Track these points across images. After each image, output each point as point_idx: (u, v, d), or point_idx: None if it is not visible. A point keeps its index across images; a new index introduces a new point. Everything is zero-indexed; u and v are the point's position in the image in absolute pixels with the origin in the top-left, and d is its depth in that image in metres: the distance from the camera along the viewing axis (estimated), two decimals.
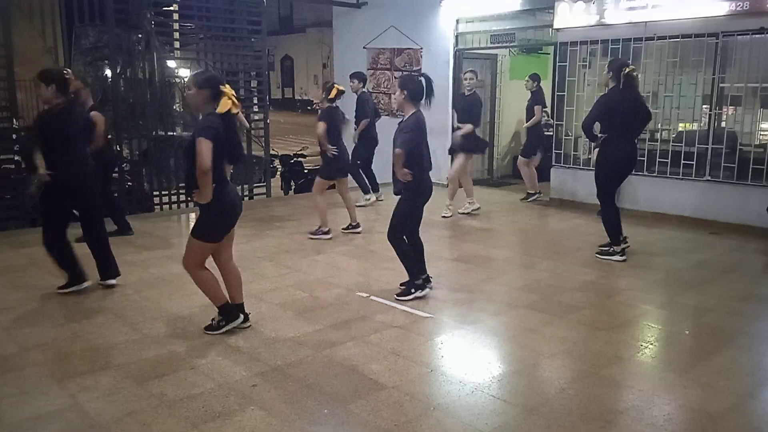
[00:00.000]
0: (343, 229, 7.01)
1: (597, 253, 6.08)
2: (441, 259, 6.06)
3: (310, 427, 3.05)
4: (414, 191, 4.72)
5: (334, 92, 6.58)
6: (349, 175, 7.54)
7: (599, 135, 5.86)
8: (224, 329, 4.10)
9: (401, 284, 4.94)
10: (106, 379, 3.50)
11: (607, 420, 3.11)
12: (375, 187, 8.86)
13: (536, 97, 9.09)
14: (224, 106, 3.73)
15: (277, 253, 6.19)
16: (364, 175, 8.71)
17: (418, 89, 4.61)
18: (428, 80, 4.64)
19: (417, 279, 4.84)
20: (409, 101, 4.63)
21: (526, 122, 9.25)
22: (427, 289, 4.87)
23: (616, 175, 6.03)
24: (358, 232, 6.97)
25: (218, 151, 3.69)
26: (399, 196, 4.81)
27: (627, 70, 5.69)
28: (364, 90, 8.70)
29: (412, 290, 4.81)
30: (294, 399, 3.29)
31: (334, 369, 3.64)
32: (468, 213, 8.05)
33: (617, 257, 5.93)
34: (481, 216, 7.98)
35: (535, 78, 9.13)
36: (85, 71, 8.67)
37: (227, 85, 3.86)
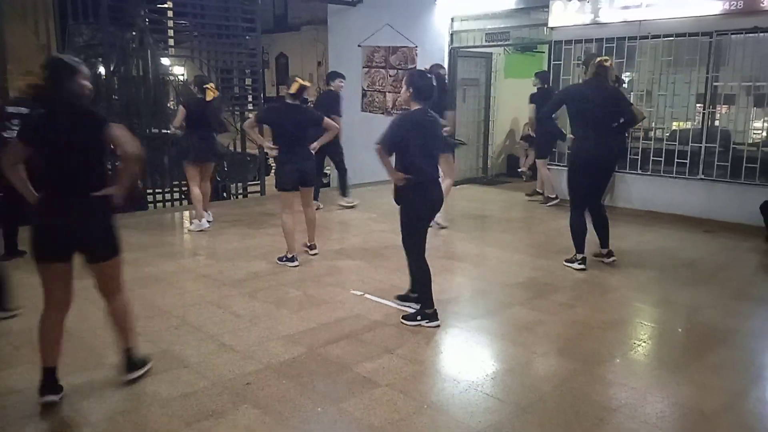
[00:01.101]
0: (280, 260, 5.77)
1: (564, 260, 5.70)
2: (435, 257, 6.04)
3: (304, 426, 3.04)
4: (411, 204, 4.20)
5: (295, 87, 5.53)
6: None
7: (569, 135, 5.37)
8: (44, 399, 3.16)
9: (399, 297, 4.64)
10: (98, 377, 3.49)
11: (600, 418, 3.11)
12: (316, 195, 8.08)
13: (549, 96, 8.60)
14: None
15: (270, 252, 6.17)
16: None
17: (423, 86, 4.19)
18: (440, 79, 4.33)
19: (428, 308, 4.31)
20: (414, 99, 4.20)
21: (537, 122, 8.84)
22: (437, 323, 4.28)
23: (581, 175, 5.44)
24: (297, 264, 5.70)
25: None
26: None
27: (597, 60, 5.31)
28: (330, 89, 8.28)
29: (418, 317, 4.30)
30: (287, 397, 3.28)
31: (328, 367, 3.64)
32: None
33: (577, 265, 5.55)
34: (474, 214, 7.97)
35: (544, 79, 8.70)
36: None
37: None
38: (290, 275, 5.42)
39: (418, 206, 4.23)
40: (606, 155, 5.42)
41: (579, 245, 5.62)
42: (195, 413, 3.11)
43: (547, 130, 8.55)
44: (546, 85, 8.68)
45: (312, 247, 6.07)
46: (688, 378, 3.55)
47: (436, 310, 4.31)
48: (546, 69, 9.02)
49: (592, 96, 5.28)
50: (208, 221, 7.18)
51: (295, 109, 5.57)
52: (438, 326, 4.26)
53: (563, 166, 8.76)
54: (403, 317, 4.35)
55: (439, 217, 6.52)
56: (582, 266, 5.58)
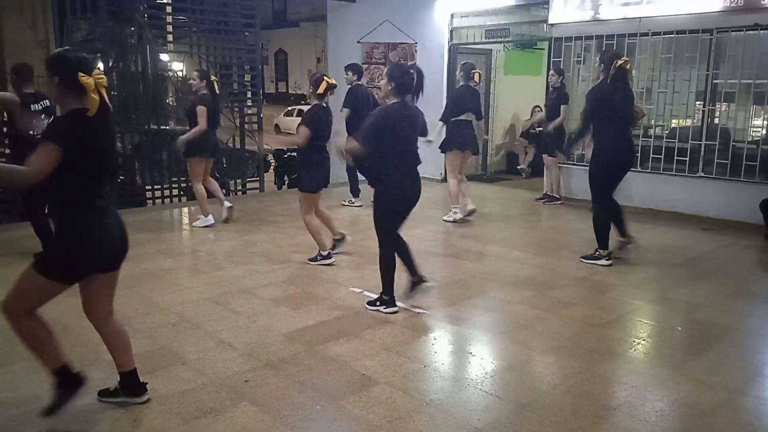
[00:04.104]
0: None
1: (581, 257, 5.79)
2: (434, 254, 6.05)
3: (302, 423, 3.03)
4: (380, 194, 4.38)
5: (323, 86, 5.30)
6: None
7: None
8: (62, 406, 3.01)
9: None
10: (96, 374, 3.47)
11: (599, 416, 3.10)
12: (356, 191, 8.38)
13: (562, 95, 8.31)
14: (93, 104, 2.71)
15: (269, 249, 6.17)
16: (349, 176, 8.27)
17: (406, 81, 4.22)
18: (420, 74, 4.29)
19: (387, 294, 4.48)
20: (395, 94, 4.25)
21: (546, 120, 8.57)
22: (394, 309, 4.46)
23: (610, 172, 5.63)
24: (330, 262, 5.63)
25: (80, 163, 2.74)
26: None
27: (619, 62, 5.34)
28: (359, 83, 8.16)
29: (377, 303, 4.51)
30: (286, 395, 3.27)
31: (327, 365, 3.63)
32: (454, 221, 7.34)
33: (603, 261, 5.65)
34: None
35: (561, 72, 8.36)
36: None
37: (97, 73, 2.72)
38: (288, 272, 5.41)
39: (390, 197, 4.36)
40: (633, 154, 5.84)
41: (606, 242, 5.70)
42: (193, 410, 3.10)
43: (562, 129, 8.37)
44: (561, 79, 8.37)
45: (343, 237, 5.93)
46: (688, 376, 3.55)
47: (393, 297, 4.48)
48: (546, 66, 8.98)
49: (622, 99, 5.47)
50: (210, 224, 7.08)
51: (328, 111, 5.55)
52: (396, 312, 4.43)
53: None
54: (367, 303, 4.57)
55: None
56: (610, 261, 5.68)
